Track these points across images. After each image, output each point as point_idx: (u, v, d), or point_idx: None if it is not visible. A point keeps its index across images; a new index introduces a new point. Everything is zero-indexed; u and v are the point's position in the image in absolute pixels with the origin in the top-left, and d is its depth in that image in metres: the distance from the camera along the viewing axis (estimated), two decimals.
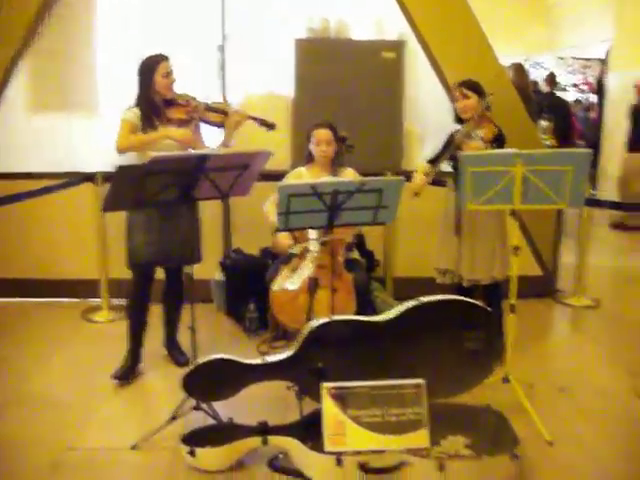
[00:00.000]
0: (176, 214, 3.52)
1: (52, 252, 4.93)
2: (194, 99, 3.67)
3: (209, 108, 3.68)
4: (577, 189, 3.11)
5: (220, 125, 3.73)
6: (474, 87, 3.79)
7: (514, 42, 10.14)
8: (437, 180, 4.45)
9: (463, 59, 4.74)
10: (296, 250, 3.86)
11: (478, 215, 3.76)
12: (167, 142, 3.52)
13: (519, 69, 6.57)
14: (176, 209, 3.48)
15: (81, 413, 3.35)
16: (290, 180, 3.87)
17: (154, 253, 3.56)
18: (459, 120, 3.86)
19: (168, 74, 3.57)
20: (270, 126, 3.73)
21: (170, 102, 3.62)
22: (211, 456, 2.81)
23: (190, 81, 4.46)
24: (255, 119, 3.73)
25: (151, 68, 3.56)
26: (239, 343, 4.21)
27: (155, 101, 3.60)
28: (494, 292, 3.89)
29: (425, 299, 2.94)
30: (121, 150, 3.53)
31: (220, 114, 3.69)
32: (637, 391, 3.60)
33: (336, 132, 3.92)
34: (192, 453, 2.79)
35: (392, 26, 5.02)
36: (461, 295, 3.27)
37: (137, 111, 3.58)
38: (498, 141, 3.67)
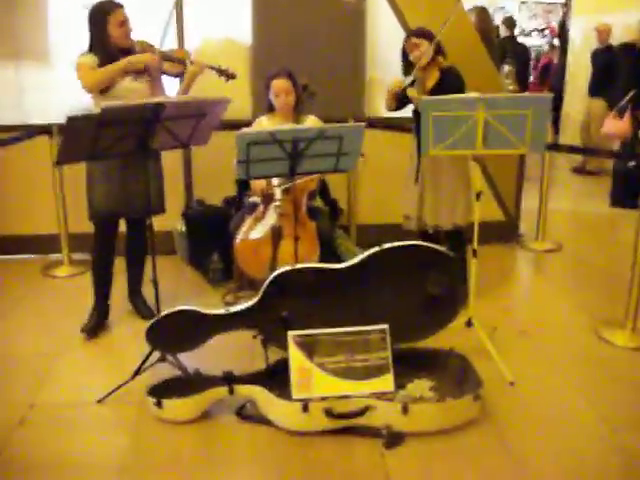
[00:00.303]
0: (136, 164, 3.42)
1: (8, 208, 4.81)
2: (152, 47, 3.54)
3: (166, 57, 3.57)
4: (538, 134, 3.12)
5: (178, 75, 3.65)
6: (422, 34, 3.73)
7: None
8: (399, 125, 4.44)
9: (424, 3, 4.67)
10: (259, 199, 3.82)
11: (440, 161, 3.76)
12: (130, 89, 3.44)
13: (482, 13, 6.48)
14: (136, 159, 3.37)
15: (44, 369, 3.31)
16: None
17: (115, 203, 3.51)
18: (407, 71, 3.80)
19: (122, 23, 3.43)
20: (230, 76, 3.65)
21: (126, 51, 3.48)
22: (178, 407, 2.81)
23: (145, 27, 4.34)
24: (214, 69, 3.64)
25: (103, 17, 3.41)
26: (204, 294, 4.19)
27: (111, 50, 3.45)
28: (457, 238, 3.92)
29: (387, 245, 2.95)
30: (91, 88, 3.39)
31: (178, 63, 3.59)
32: (597, 332, 3.68)
33: (295, 80, 3.83)
34: (159, 404, 2.79)
35: None
36: (425, 241, 3.28)
37: (93, 56, 3.42)
38: (441, 87, 3.63)
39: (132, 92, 3.43)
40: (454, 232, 3.90)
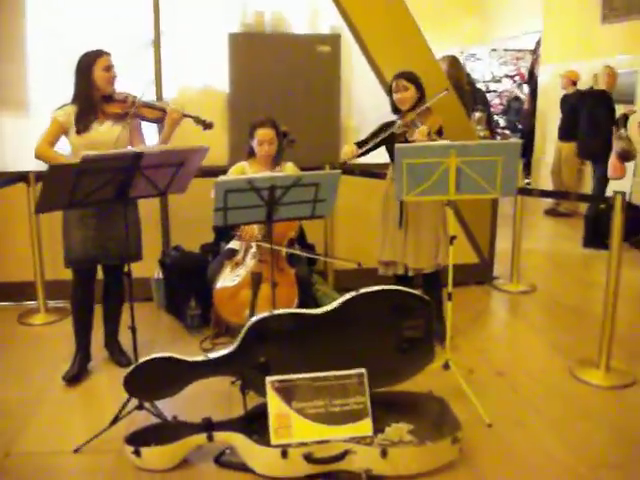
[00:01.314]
0: (112, 211, 3.47)
1: None
2: (133, 96, 3.62)
3: (146, 105, 3.65)
4: (509, 179, 3.20)
5: (157, 121, 3.71)
6: (412, 78, 3.87)
7: (449, 34, 10.33)
8: (371, 172, 4.52)
9: (397, 52, 4.80)
10: (238, 245, 3.85)
11: (421, 205, 3.83)
12: (107, 132, 3.53)
13: (453, 61, 6.68)
14: (113, 206, 3.42)
15: (21, 418, 3.27)
16: (232, 175, 3.86)
17: (91, 249, 3.53)
18: (396, 111, 3.93)
19: (108, 68, 3.53)
20: (207, 125, 3.69)
21: (108, 98, 3.58)
22: (157, 455, 2.79)
23: (125, 78, 4.41)
24: (191, 117, 3.70)
25: (90, 63, 3.51)
26: (181, 341, 4.18)
27: (93, 97, 3.54)
28: (435, 280, 3.98)
29: (363, 290, 2.98)
30: (37, 156, 3.51)
31: (157, 110, 3.66)
32: (572, 371, 3.72)
33: (278, 129, 3.92)
34: (137, 453, 2.77)
35: (326, 20, 5.04)
36: (400, 284, 3.32)
37: (70, 109, 3.52)
38: (441, 133, 3.75)
39: (109, 135, 3.52)
40: (431, 275, 3.96)
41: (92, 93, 3.54)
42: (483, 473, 2.78)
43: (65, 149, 3.60)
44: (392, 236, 3.96)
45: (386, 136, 3.77)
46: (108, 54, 3.57)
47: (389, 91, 3.95)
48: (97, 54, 3.54)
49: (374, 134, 3.90)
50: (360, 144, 3.88)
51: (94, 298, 3.75)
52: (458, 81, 6.36)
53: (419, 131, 3.64)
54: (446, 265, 3.83)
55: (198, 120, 3.69)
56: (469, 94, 7.15)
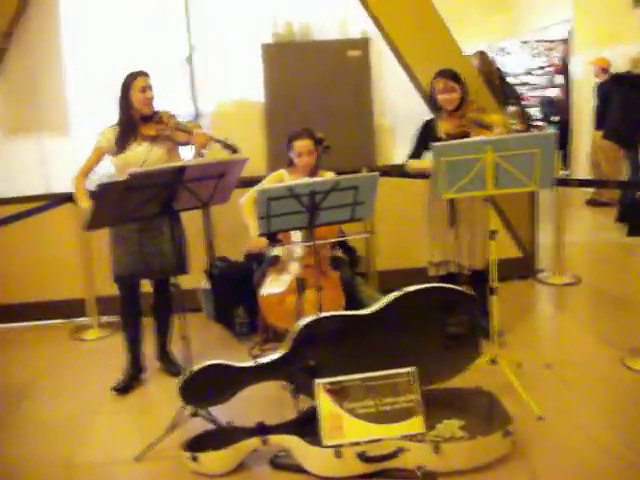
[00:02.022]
0: (155, 226, 3.58)
1: (36, 274, 4.94)
2: (170, 117, 3.70)
3: (177, 127, 3.70)
4: (546, 170, 3.21)
5: (185, 144, 3.76)
6: (458, 78, 3.82)
7: (477, 30, 10.28)
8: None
9: (427, 51, 4.82)
10: (281, 252, 3.92)
11: (472, 203, 3.81)
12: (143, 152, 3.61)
13: (483, 56, 6.67)
14: (155, 221, 3.53)
15: (78, 430, 3.38)
16: (270, 182, 3.92)
17: (133, 265, 3.63)
18: (436, 109, 3.91)
19: (144, 89, 3.60)
20: (233, 149, 3.68)
21: (146, 118, 3.67)
22: (214, 460, 2.86)
23: (161, 95, 4.51)
24: (219, 141, 3.71)
25: (128, 85, 3.61)
26: (231, 348, 4.26)
27: (133, 118, 3.65)
28: (483, 277, 3.89)
29: (408, 289, 3.02)
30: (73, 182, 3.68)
31: (187, 133, 3.70)
32: (622, 361, 3.69)
33: (315, 139, 3.93)
34: (195, 459, 2.84)
35: (355, 25, 5.10)
36: (446, 283, 3.33)
37: (111, 132, 3.65)
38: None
39: (145, 156, 3.61)
40: (478, 272, 3.92)
41: (132, 114, 3.65)
42: (536, 466, 2.79)
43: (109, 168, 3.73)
44: (441, 236, 3.94)
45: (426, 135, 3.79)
46: (145, 75, 3.64)
47: (430, 90, 3.91)
48: (133, 76, 3.62)
49: (420, 140, 3.91)
50: (413, 156, 3.93)
51: (141, 312, 3.85)
52: (489, 76, 6.36)
53: (497, 133, 3.59)
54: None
55: (225, 144, 3.69)
56: (499, 88, 7.11)
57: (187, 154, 3.81)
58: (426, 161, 3.76)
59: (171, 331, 3.96)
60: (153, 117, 3.68)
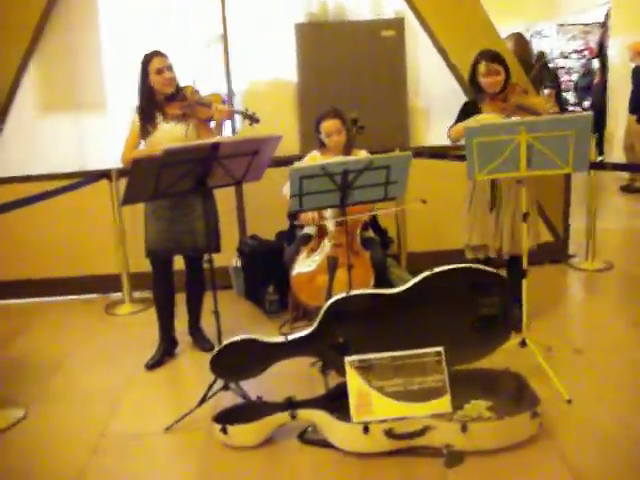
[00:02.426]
0: (187, 203, 3.62)
1: (72, 250, 5.03)
2: (193, 92, 3.68)
3: (198, 103, 3.68)
4: (581, 153, 3.17)
5: (209, 120, 3.75)
6: (502, 60, 3.71)
7: (514, 11, 10.14)
8: (441, 154, 4.51)
9: (462, 32, 4.79)
10: (313, 231, 3.94)
11: (514, 187, 3.72)
12: (170, 133, 3.62)
13: (519, 39, 6.60)
14: (187, 198, 3.57)
15: (111, 402, 3.46)
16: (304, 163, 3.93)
17: (165, 241, 3.68)
18: (479, 92, 3.80)
19: (160, 70, 3.58)
20: (255, 120, 3.70)
21: (170, 98, 3.66)
22: (243, 432, 2.91)
23: (195, 73, 4.56)
24: (238, 112, 3.75)
25: (145, 66, 3.61)
26: (261, 326, 4.30)
27: (153, 98, 3.65)
28: (519, 265, 3.68)
29: (438, 269, 3.02)
30: (125, 164, 3.67)
31: (207, 108, 3.68)
32: None
33: (343, 117, 3.93)
34: (224, 431, 2.90)
35: (389, 4, 5.07)
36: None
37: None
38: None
39: (175, 133, 3.62)
40: (517, 259, 3.75)
41: (151, 94, 3.65)
42: (564, 448, 2.79)
43: None
44: (482, 219, 3.87)
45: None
46: (161, 55, 3.62)
47: (471, 73, 3.78)
48: (148, 57, 3.61)
49: (462, 118, 3.79)
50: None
51: (173, 287, 3.90)
52: (525, 58, 6.29)
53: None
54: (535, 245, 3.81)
55: (245, 115, 3.72)
56: (537, 72, 7.04)
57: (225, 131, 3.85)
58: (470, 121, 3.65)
59: (202, 307, 4.01)
60: (177, 95, 3.67)
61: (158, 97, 3.66)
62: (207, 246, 3.64)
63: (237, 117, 3.91)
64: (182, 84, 3.74)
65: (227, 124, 3.97)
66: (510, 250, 3.84)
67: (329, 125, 3.88)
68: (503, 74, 3.70)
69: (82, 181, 4.61)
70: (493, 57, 3.70)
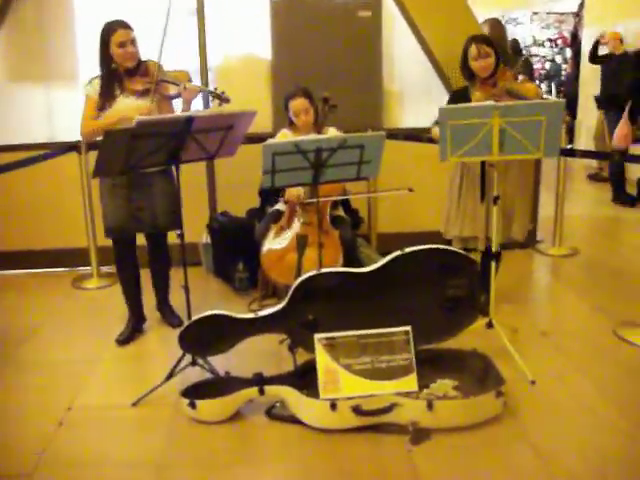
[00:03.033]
0: (144, 181, 3.54)
1: (39, 223, 4.97)
2: (157, 68, 3.48)
3: (163, 79, 3.55)
4: (552, 139, 3.20)
5: (177, 96, 3.62)
6: (491, 42, 3.68)
7: None
8: (415, 136, 4.52)
9: (439, 15, 4.80)
10: (283, 207, 3.94)
11: (504, 179, 3.67)
12: (131, 106, 3.48)
13: (495, 24, 6.60)
14: (145, 175, 3.49)
15: (80, 375, 3.44)
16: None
17: (123, 220, 3.59)
18: (470, 77, 3.77)
19: (123, 44, 3.45)
20: (224, 100, 3.63)
21: (131, 72, 3.53)
22: (211, 407, 2.92)
23: (169, 47, 4.47)
24: (208, 92, 3.67)
25: (106, 36, 3.47)
26: (230, 303, 4.29)
27: (114, 70, 3.53)
28: (498, 256, 3.66)
29: (408, 249, 3.05)
30: (85, 136, 3.60)
31: (174, 85, 3.57)
32: (615, 331, 3.74)
33: (311, 96, 3.94)
34: (192, 405, 2.90)
35: None
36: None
37: (96, 83, 3.55)
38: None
39: (133, 110, 3.43)
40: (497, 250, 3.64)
41: (112, 66, 3.52)
42: (527, 427, 2.85)
43: None
44: (473, 211, 3.83)
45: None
46: (124, 27, 3.47)
47: (463, 57, 3.73)
48: (111, 29, 3.46)
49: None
50: None
51: (138, 265, 3.85)
52: (500, 44, 6.29)
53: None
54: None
55: (214, 94, 3.63)
56: (512, 58, 7.10)
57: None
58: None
59: (170, 283, 3.99)
60: (139, 70, 3.54)
61: (118, 70, 3.54)
62: (167, 224, 3.64)
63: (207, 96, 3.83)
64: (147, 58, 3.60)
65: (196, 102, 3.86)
66: (507, 236, 3.85)
67: (297, 104, 3.90)
68: (493, 57, 3.66)
69: (51, 153, 4.55)
70: (483, 39, 3.70)
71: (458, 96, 3.82)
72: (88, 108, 3.56)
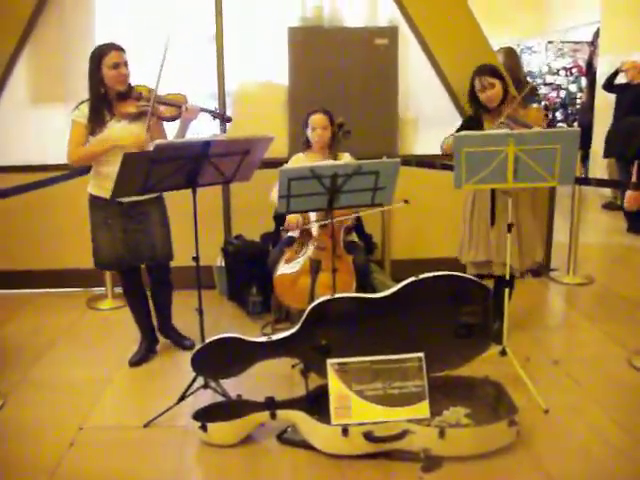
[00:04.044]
0: (139, 210, 3.53)
1: (57, 243, 5.01)
2: (151, 91, 3.41)
3: (161, 102, 3.49)
4: (567, 167, 3.21)
5: (173, 119, 3.56)
6: (496, 72, 3.74)
7: (505, 27, 10.24)
8: (428, 162, 4.53)
9: (454, 44, 4.83)
10: (297, 233, 3.96)
11: (517, 200, 3.72)
12: (124, 130, 3.45)
13: (510, 52, 6.67)
14: (140, 205, 3.50)
15: (91, 395, 3.45)
16: (290, 165, 3.96)
17: (119, 252, 3.57)
18: (480, 107, 3.80)
19: (116, 65, 3.38)
20: (226, 119, 3.63)
21: (123, 96, 3.46)
22: (222, 431, 2.92)
23: (187, 73, 4.55)
24: (209, 112, 3.61)
25: (98, 59, 3.40)
26: (243, 326, 4.30)
27: (105, 94, 3.46)
28: (512, 283, 3.72)
29: (422, 275, 3.05)
30: (72, 163, 3.50)
31: (173, 107, 3.52)
32: (629, 361, 3.71)
33: (332, 117, 4.02)
34: (204, 428, 2.90)
35: (384, 12, 5.11)
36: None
37: (86, 107, 3.47)
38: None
39: (127, 133, 3.43)
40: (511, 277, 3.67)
41: (103, 90, 3.44)
42: (540, 456, 2.83)
43: None
44: (485, 235, 3.85)
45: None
46: (118, 49, 3.41)
47: (470, 89, 3.81)
48: (103, 51, 3.40)
49: (465, 128, 3.76)
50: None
51: (143, 288, 3.87)
52: (515, 73, 6.36)
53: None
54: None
55: (216, 114, 3.62)
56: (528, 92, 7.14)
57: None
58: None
59: (172, 306, 3.98)
60: (130, 93, 3.47)
61: (108, 93, 3.46)
62: (167, 255, 3.65)
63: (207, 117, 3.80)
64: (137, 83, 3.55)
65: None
66: (521, 267, 3.83)
67: (317, 118, 3.98)
68: (499, 86, 3.71)
69: (69, 173, 4.57)
70: (487, 71, 3.74)
71: (470, 122, 3.85)
72: (76, 134, 3.46)
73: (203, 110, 3.58)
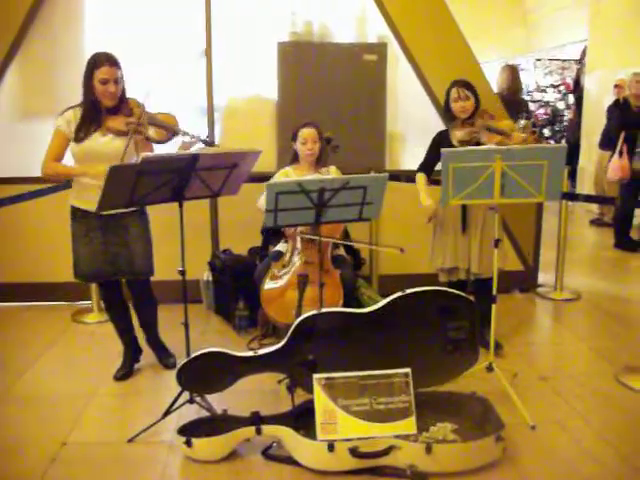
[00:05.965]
0: (119, 224, 3.47)
1: (40, 256, 4.97)
2: (141, 109, 3.34)
3: (153, 123, 3.41)
4: (554, 183, 3.23)
5: (161, 142, 3.48)
6: (472, 87, 3.94)
7: (493, 45, 10.35)
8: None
9: (443, 60, 4.86)
10: (285, 248, 3.95)
11: (484, 211, 3.87)
12: (107, 144, 3.37)
13: (514, 71, 6.81)
14: (120, 218, 3.44)
15: (74, 410, 3.40)
16: (277, 179, 3.96)
17: (99, 264, 3.51)
18: (451, 119, 3.99)
19: (105, 81, 3.28)
20: (210, 144, 3.58)
21: (112, 110, 3.38)
22: (207, 446, 2.89)
23: (176, 87, 4.54)
24: (199, 140, 3.51)
25: (91, 69, 3.31)
26: (230, 341, 4.27)
27: (95, 106, 3.36)
28: (487, 287, 3.74)
29: (409, 290, 3.05)
30: (44, 176, 3.42)
31: (165, 131, 3.45)
32: (616, 376, 3.72)
33: (321, 132, 4.04)
34: (188, 443, 2.87)
35: (373, 28, 5.14)
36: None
37: (71, 115, 3.38)
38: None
39: (109, 149, 3.36)
40: (486, 280, 3.81)
41: (94, 101, 3.35)
42: (526, 473, 2.81)
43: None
44: (453, 242, 3.99)
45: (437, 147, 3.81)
46: (110, 65, 3.29)
47: (446, 99, 3.99)
48: (96, 63, 3.30)
49: (433, 150, 3.99)
50: (424, 168, 4.04)
51: (125, 301, 3.82)
52: (516, 91, 6.52)
53: (515, 136, 3.72)
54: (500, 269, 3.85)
55: (204, 142, 3.52)
56: (523, 101, 7.25)
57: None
58: (421, 184, 4.00)
59: (157, 321, 3.93)
60: (121, 109, 3.39)
61: (99, 104, 3.36)
62: (145, 270, 3.58)
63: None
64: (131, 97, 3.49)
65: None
66: (478, 271, 3.94)
67: (307, 132, 3.99)
68: (473, 100, 3.92)
69: (54, 186, 4.55)
70: (463, 84, 3.94)
71: (439, 138, 4.03)
72: (55, 145, 3.38)
73: (187, 134, 3.48)
